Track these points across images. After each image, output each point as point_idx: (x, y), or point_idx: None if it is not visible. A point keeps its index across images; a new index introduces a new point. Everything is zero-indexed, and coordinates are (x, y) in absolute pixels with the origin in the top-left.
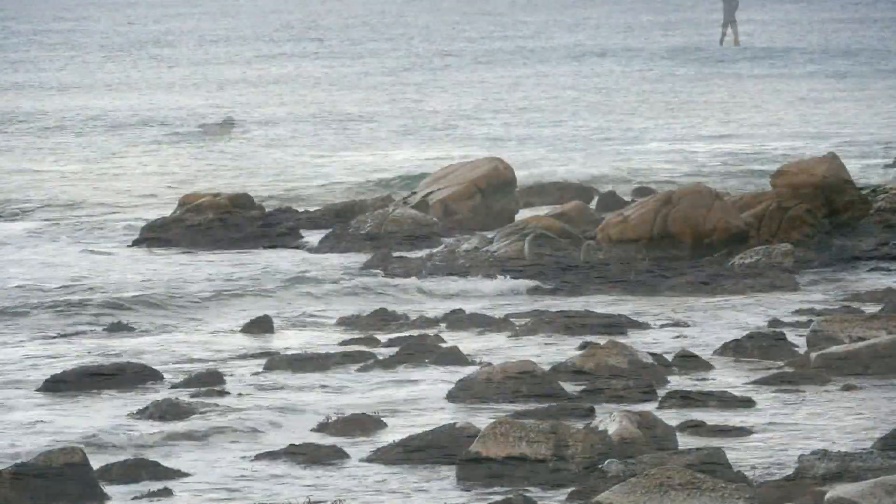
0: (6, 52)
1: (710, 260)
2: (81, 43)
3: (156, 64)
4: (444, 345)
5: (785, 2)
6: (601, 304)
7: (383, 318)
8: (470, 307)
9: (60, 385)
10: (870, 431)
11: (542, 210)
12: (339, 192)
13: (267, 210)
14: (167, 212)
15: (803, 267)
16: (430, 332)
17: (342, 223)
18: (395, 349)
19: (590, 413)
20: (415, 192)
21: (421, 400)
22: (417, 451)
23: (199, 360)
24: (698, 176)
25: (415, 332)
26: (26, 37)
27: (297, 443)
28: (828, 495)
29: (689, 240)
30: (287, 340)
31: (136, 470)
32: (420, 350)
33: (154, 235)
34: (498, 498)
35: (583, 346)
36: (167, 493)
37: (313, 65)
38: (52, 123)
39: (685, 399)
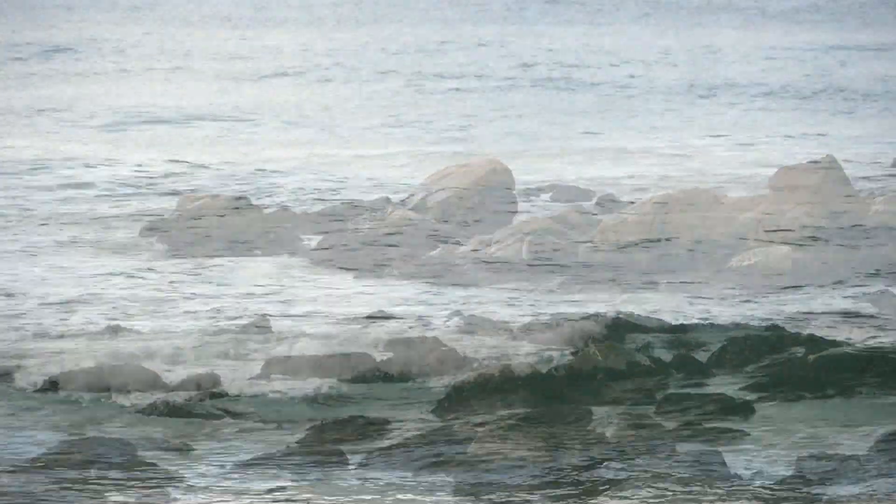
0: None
1: (709, 262)
2: None
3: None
4: (442, 347)
5: None
6: (599, 305)
7: (382, 320)
8: (468, 309)
9: (60, 386)
10: (869, 432)
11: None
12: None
13: (265, 211)
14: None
15: (802, 269)
16: (429, 334)
17: (340, 224)
18: (394, 350)
19: (587, 415)
20: (413, 194)
21: (420, 401)
22: (416, 453)
23: (198, 362)
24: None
25: (413, 335)
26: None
27: (296, 444)
28: (827, 496)
29: (687, 241)
30: (285, 343)
31: (136, 471)
32: (418, 351)
33: (153, 236)
34: (497, 499)
35: (581, 348)
36: (167, 494)
37: None
38: None
39: (683, 401)
